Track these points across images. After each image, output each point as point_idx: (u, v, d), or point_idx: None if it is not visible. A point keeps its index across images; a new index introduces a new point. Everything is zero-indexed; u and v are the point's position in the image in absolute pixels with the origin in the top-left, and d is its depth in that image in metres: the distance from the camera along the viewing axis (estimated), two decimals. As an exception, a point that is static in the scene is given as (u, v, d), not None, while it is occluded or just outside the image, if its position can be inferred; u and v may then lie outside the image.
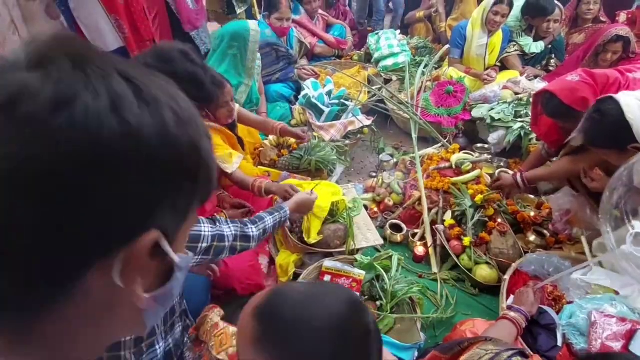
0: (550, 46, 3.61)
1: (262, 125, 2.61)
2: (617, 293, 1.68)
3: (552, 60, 3.63)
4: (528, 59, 3.62)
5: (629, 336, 1.48)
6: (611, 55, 2.89)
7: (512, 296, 1.73)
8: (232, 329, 1.02)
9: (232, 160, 2.11)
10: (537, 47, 3.55)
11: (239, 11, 3.88)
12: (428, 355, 1.25)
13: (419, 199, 2.40)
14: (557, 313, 1.64)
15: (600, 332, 1.49)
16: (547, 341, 1.54)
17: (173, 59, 1.45)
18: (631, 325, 1.49)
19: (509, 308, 1.50)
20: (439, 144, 2.97)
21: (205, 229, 1.25)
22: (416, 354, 1.57)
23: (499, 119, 2.94)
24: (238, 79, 2.87)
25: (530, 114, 2.88)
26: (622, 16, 3.74)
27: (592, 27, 3.61)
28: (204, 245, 1.22)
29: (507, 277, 1.84)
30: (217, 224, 1.32)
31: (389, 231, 2.33)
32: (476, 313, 1.92)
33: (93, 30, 3.02)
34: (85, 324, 0.40)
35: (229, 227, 1.35)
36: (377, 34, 4.00)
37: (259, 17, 4.13)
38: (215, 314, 1.09)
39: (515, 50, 3.54)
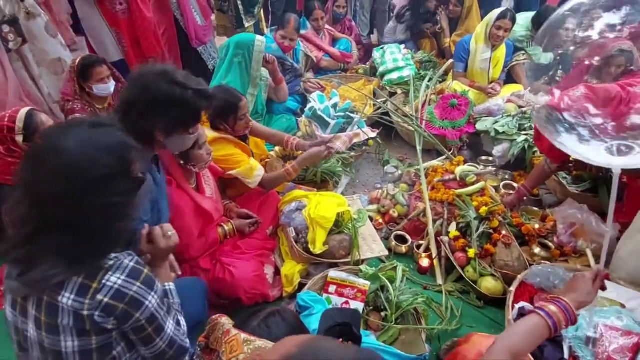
0: (558, 57, 3.64)
1: (275, 138, 2.66)
2: (623, 306, 1.68)
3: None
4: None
5: (636, 350, 1.47)
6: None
7: (516, 307, 1.73)
8: (244, 336, 1.02)
9: (254, 174, 2.21)
10: (546, 58, 3.57)
11: (247, 25, 3.96)
12: None
13: (424, 211, 2.41)
14: (563, 325, 1.63)
15: (607, 345, 1.48)
16: (553, 353, 1.53)
17: (149, 84, 1.37)
18: (637, 338, 1.48)
19: (553, 301, 1.13)
20: (444, 157, 3.00)
21: (152, 300, 1.01)
22: (421, 365, 1.57)
23: (503, 132, 2.96)
24: (243, 89, 2.93)
25: (534, 127, 2.91)
26: (626, 31, 3.77)
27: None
28: (140, 317, 0.99)
29: (512, 289, 1.83)
30: (166, 310, 1.07)
31: (393, 242, 2.34)
32: (481, 325, 1.92)
33: (97, 41, 3.16)
34: None
35: (171, 324, 1.09)
36: (382, 48, 4.06)
37: (266, 31, 4.22)
38: (226, 321, 1.09)
39: (525, 59, 3.58)
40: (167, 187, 1.79)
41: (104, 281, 0.95)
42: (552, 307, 1.09)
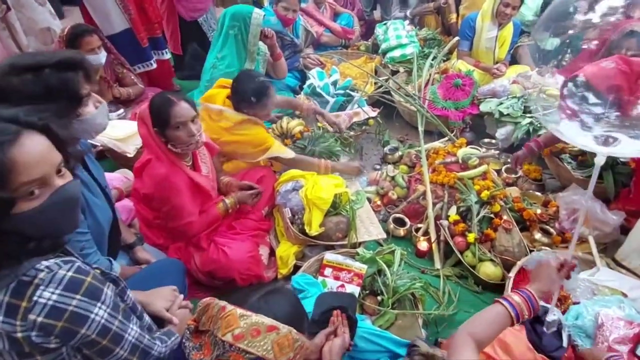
0: (567, 40, 3.54)
1: (288, 104, 2.67)
2: (625, 295, 1.64)
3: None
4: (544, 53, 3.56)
5: (637, 340, 1.44)
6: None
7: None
8: (240, 311, 1.01)
9: (285, 148, 2.28)
10: (552, 43, 3.47)
11: None
12: None
13: (424, 193, 2.36)
14: (563, 313, 1.61)
15: (607, 334, 1.45)
16: (552, 341, 1.50)
17: (2, 89, 1.10)
18: (639, 329, 1.45)
19: (517, 291, 1.17)
20: (446, 138, 2.92)
21: (99, 312, 0.88)
22: (417, 350, 1.54)
23: (508, 114, 2.88)
24: (240, 64, 2.83)
25: (540, 109, 2.82)
26: (638, 12, 3.66)
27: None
28: (88, 332, 0.87)
29: (511, 275, 1.80)
30: (123, 316, 0.96)
31: (392, 225, 2.30)
32: (478, 311, 1.89)
33: (99, 11, 2.98)
34: None
35: (134, 330, 0.99)
36: (385, 24, 3.92)
37: (265, 3, 4.07)
38: (220, 301, 1.07)
39: (530, 40, 3.48)
40: (159, 163, 1.72)
41: (35, 298, 0.82)
42: (516, 298, 1.12)
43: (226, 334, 0.97)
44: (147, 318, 1.16)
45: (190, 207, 1.82)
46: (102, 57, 2.58)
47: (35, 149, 0.83)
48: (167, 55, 3.49)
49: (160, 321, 1.24)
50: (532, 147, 2.39)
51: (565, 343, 1.51)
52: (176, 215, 1.80)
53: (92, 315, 0.87)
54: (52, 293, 0.83)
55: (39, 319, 0.82)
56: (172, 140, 1.72)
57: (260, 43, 2.92)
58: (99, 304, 0.88)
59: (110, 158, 2.59)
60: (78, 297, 0.85)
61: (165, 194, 1.75)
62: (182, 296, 1.35)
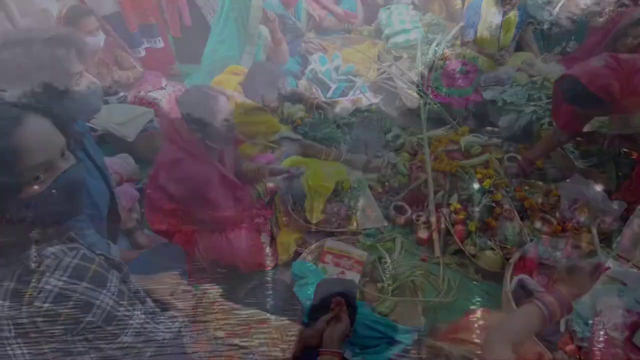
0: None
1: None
2: (624, 284, 1.65)
3: (571, 43, 3.51)
4: (551, 40, 3.50)
5: (634, 328, 1.46)
6: (631, 39, 2.78)
7: (515, 278, 1.70)
8: (229, 307, 1.00)
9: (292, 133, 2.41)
10: (550, 13, 3.41)
11: None
12: None
13: (425, 181, 2.35)
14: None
15: (605, 321, 1.47)
16: (549, 328, 1.51)
17: None
18: (637, 317, 1.47)
19: (551, 291, 1.13)
20: (448, 126, 2.90)
21: (104, 299, 0.88)
22: (416, 337, 1.55)
23: (511, 102, 2.84)
24: (240, 47, 2.80)
25: (543, 98, 2.80)
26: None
27: (614, 9, 3.47)
28: (93, 319, 0.87)
29: (512, 261, 1.80)
30: (128, 303, 0.95)
31: (392, 213, 2.29)
32: (478, 298, 1.90)
33: None
34: None
35: (138, 316, 0.98)
36: (388, 8, 3.85)
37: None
38: (213, 292, 1.06)
39: (535, 29, 3.43)
40: (194, 162, 1.69)
41: (41, 285, 0.81)
42: (550, 298, 1.09)
43: (217, 330, 0.97)
44: (150, 303, 1.16)
45: (227, 199, 1.82)
46: (100, 39, 2.54)
47: (39, 133, 0.81)
48: (160, 44, 3.43)
49: (162, 306, 1.25)
50: (524, 167, 2.36)
51: (562, 328, 1.52)
52: (216, 207, 1.79)
53: (98, 302, 0.87)
54: (58, 280, 0.82)
55: (45, 305, 0.81)
56: (210, 136, 1.69)
57: (262, 27, 2.87)
58: (104, 291, 0.88)
59: (110, 142, 2.57)
60: (84, 284, 0.85)
61: (202, 191, 1.72)
62: (184, 282, 1.35)
